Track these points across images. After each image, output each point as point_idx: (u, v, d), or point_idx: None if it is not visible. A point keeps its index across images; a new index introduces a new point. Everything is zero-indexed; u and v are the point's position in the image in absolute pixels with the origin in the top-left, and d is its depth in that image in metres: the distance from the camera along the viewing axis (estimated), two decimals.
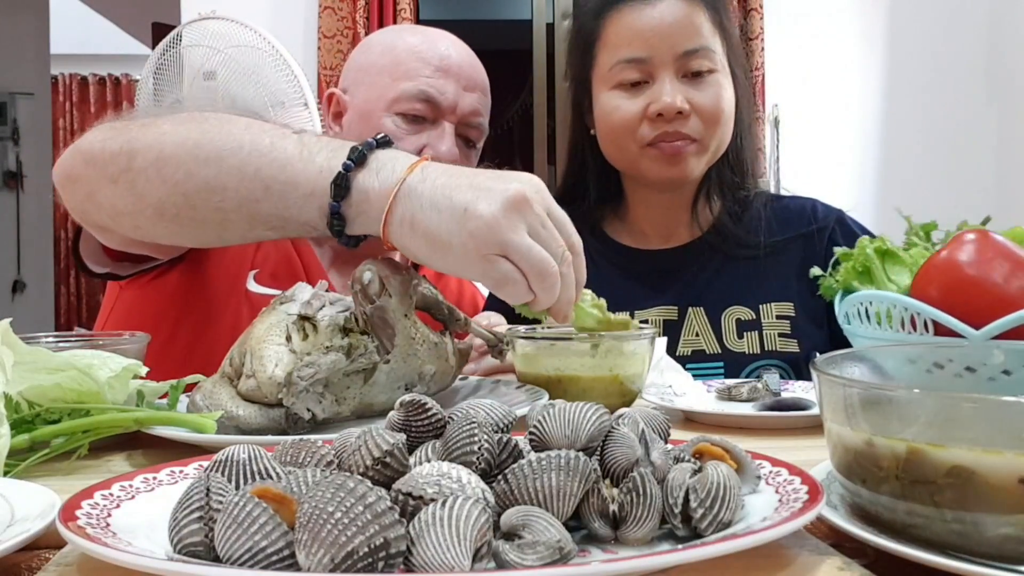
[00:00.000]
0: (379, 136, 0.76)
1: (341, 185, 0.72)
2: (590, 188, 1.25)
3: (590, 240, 1.18)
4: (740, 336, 1.15)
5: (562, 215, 0.73)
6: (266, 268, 1.16)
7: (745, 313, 1.15)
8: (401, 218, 0.71)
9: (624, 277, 1.22)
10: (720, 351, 1.15)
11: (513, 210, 0.68)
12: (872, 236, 1.14)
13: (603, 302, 0.82)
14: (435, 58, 1.15)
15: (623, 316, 0.83)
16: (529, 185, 0.70)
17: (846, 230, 1.19)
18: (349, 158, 0.73)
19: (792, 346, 1.13)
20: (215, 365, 0.77)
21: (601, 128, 1.19)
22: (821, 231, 1.19)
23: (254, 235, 0.81)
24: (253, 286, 1.15)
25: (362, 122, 1.18)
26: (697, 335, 1.16)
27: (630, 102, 1.13)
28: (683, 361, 1.14)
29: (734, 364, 1.14)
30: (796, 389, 0.89)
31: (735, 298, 1.16)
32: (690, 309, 1.17)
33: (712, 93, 1.12)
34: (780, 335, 1.14)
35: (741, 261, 1.18)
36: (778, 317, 1.14)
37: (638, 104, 1.12)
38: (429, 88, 1.14)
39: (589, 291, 0.80)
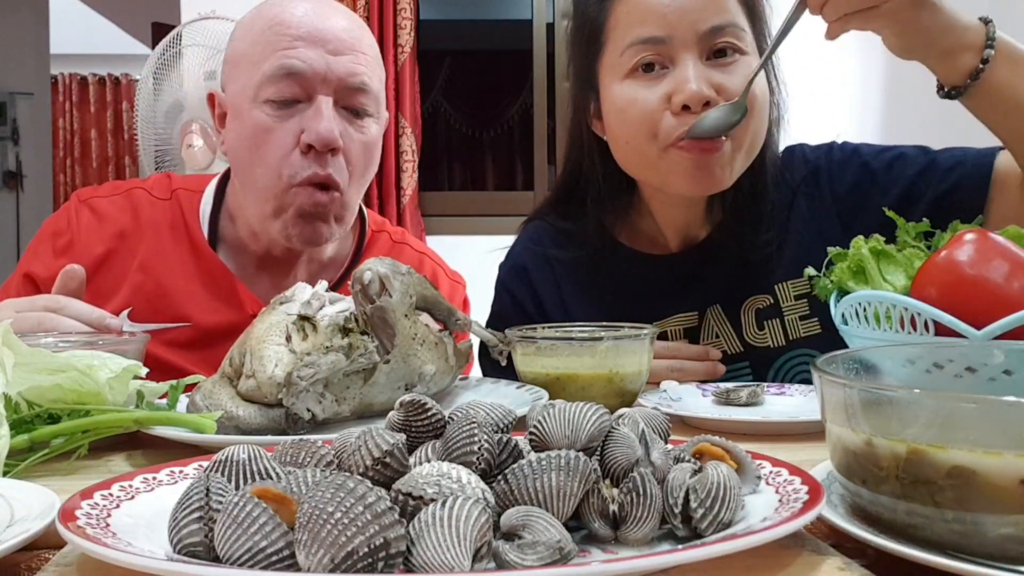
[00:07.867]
0: None
1: None
2: (591, 198, 1.12)
3: (603, 252, 1.11)
4: (761, 327, 1.07)
5: None
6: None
7: (763, 300, 1.07)
8: None
9: (643, 287, 1.11)
10: (743, 349, 1.08)
11: None
12: (871, 146, 1.12)
13: None
14: (292, 26, 1.01)
15: None
16: None
17: (838, 160, 1.12)
18: None
19: (814, 327, 1.05)
20: None
21: (614, 128, 1.03)
22: (817, 181, 1.11)
23: None
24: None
25: (235, 120, 1.06)
26: (717, 336, 1.08)
27: (648, 91, 0.97)
28: None
29: (760, 361, 1.08)
30: (793, 392, 0.87)
31: (753, 288, 1.08)
32: (708, 310, 1.09)
33: (743, 77, 0.97)
34: (800, 317, 1.06)
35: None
36: (796, 298, 1.06)
37: (658, 93, 0.97)
38: (289, 60, 1.00)
39: None
